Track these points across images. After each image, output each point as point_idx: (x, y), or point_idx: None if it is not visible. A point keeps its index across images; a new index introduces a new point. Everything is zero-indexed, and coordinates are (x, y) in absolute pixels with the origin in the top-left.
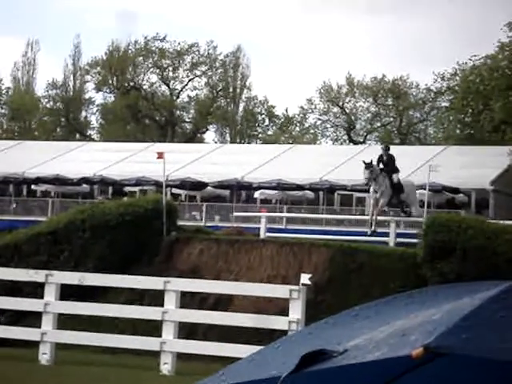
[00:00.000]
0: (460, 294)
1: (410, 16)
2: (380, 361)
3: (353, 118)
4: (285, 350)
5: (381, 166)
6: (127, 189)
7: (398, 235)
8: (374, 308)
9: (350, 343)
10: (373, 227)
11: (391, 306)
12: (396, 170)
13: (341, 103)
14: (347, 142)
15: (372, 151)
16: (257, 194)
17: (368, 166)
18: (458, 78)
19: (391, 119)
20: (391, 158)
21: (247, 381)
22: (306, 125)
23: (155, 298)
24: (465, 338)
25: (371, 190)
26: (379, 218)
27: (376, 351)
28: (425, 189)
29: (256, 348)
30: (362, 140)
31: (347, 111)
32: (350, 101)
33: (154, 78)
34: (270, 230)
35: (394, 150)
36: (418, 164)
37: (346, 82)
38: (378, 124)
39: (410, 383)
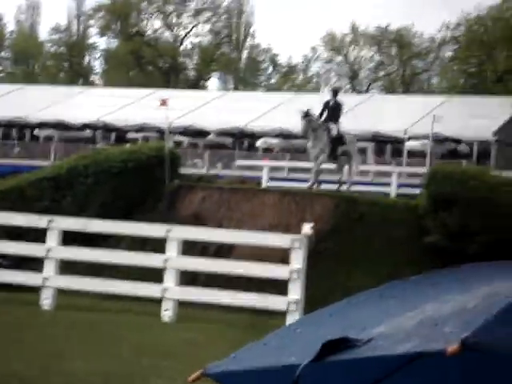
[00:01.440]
0: (492, 275)
1: None
2: (411, 354)
3: (356, 67)
4: (304, 334)
5: (325, 113)
6: (130, 135)
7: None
8: (400, 287)
9: (376, 330)
10: (311, 183)
11: (418, 286)
12: (337, 121)
13: (344, 52)
14: (350, 91)
15: (375, 101)
16: (259, 143)
17: (305, 115)
18: (462, 27)
19: (395, 68)
20: (338, 105)
21: (263, 367)
22: (310, 73)
23: (157, 244)
24: (506, 333)
25: (309, 144)
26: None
27: (406, 342)
28: (428, 139)
29: (257, 296)
30: (365, 89)
31: (351, 60)
32: (353, 50)
33: (157, 23)
34: (272, 178)
35: (398, 99)
36: (421, 114)
37: (350, 31)
38: (382, 73)
39: (433, 374)
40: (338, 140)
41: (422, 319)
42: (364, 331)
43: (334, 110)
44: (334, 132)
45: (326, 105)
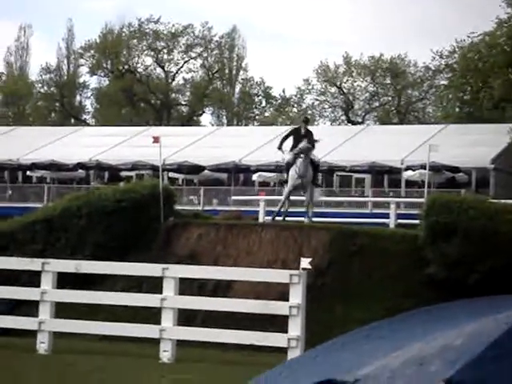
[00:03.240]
0: (482, 311)
1: None
2: None
3: (351, 98)
4: (289, 377)
5: (290, 141)
6: (124, 173)
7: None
8: (387, 327)
9: (362, 371)
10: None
11: (406, 325)
12: (313, 147)
13: (338, 83)
14: (345, 122)
15: (371, 131)
16: (255, 177)
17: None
18: (456, 55)
19: (389, 98)
20: (310, 133)
21: None
22: (304, 106)
23: (154, 284)
24: (492, 370)
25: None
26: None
27: (391, 383)
28: (425, 168)
29: (257, 334)
30: (360, 120)
31: (345, 91)
32: (347, 80)
33: (148, 60)
34: (269, 213)
35: (393, 129)
36: (417, 143)
37: (343, 62)
38: (377, 104)
39: None
40: (317, 168)
41: (407, 359)
42: (350, 373)
43: (309, 138)
44: (316, 160)
45: (296, 133)
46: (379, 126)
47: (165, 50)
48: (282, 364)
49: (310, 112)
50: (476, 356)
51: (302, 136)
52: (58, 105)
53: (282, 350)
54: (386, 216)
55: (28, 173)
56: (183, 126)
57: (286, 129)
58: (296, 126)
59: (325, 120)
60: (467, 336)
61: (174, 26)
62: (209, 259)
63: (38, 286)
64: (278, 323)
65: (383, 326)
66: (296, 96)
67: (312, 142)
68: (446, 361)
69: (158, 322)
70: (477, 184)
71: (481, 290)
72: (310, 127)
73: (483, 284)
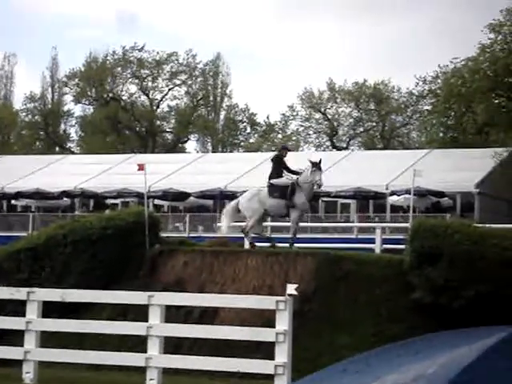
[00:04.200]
0: (456, 342)
1: (388, 20)
2: None
3: (335, 123)
4: None
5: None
6: (109, 201)
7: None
8: (363, 361)
9: None
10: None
11: (382, 358)
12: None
13: (323, 109)
14: (330, 148)
15: (355, 157)
16: None
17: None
18: (439, 80)
19: (374, 124)
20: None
21: None
22: (288, 132)
23: (139, 312)
24: None
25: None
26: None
27: None
28: (410, 193)
29: (243, 361)
30: (345, 146)
31: (329, 117)
32: (331, 106)
33: (133, 88)
34: (254, 239)
35: (378, 154)
36: (402, 168)
37: (327, 88)
38: (361, 129)
39: None
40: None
41: None
42: None
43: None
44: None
45: (280, 160)
46: (364, 152)
47: (149, 78)
48: None
49: (294, 138)
50: (447, 382)
51: (284, 162)
52: (43, 133)
53: (269, 377)
54: (372, 241)
55: (13, 201)
56: (168, 153)
57: (271, 155)
58: (277, 154)
59: (309, 146)
60: (440, 365)
61: (158, 53)
62: (195, 286)
63: (24, 315)
64: (264, 350)
65: (360, 361)
66: (281, 122)
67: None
68: None
69: (145, 349)
70: (462, 208)
71: (466, 315)
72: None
73: (468, 309)
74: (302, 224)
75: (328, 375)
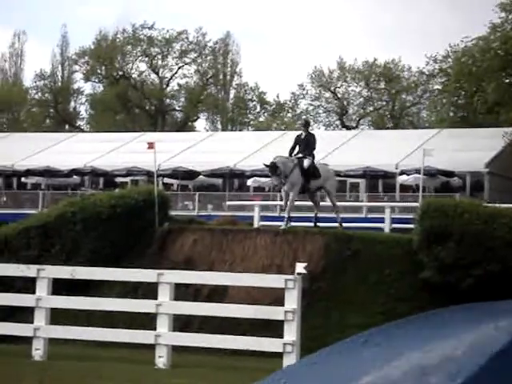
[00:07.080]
0: (480, 318)
1: None
2: None
3: (345, 102)
4: None
5: (298, 147)
6: (118, 179)
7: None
8: (384, 333)
9: (362, 381)
10: (285, 223)
11: (403, 331)
12: (310, 153)
13: (332, 88)
14: (340, 127)
15: (365, 136)
16: (250, 182)
17: (273, 171)
18: (450, 60)
19: (384, 103)
20: (309, 139)
21: None
22: (298, 111)
23: (149, 290)
24: (496, 383)
25: (283, 190)
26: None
27: None
28: (420, 173)
29: (252, 340)
30: (354, 125)
31: (339, 96)
32: (341, 85)
33: (143, 66)
34: (263, 218)
35: (388, 134)
36: (412, 148)
37: (337, 67)
38: (371, 108)
39: None
40: (311, 174)
41: (408, 369)
42: (350, 382)
43: (306, 143)
44: (306, 165)
45: (298, 139)
46: (373, 131)
47: (159, 56)
48: (280, 371)
49: (304, 117)
50: (478, 368)
51: (302, 141)
52: (53, 111)
53: (278, 355)
54: (381, 220)
55: (23, 179)
56: (178, 131)
57: (281, 134)
58: (298, 133)
59: (319, 125)
60: (468, 346)
61: (168, 31)
62: (204, 265)
63: (33, 292)
64: (273, 328)
65: (380, 333)
66: (290, 101)
67: (309, 147)
68: (448, 372)
69: (154, 327)
70: (471, 188)
71: (475, 294)
72: (310, 130)
73: (478, 288)
74: (310, 203)
75: (347, 347)
